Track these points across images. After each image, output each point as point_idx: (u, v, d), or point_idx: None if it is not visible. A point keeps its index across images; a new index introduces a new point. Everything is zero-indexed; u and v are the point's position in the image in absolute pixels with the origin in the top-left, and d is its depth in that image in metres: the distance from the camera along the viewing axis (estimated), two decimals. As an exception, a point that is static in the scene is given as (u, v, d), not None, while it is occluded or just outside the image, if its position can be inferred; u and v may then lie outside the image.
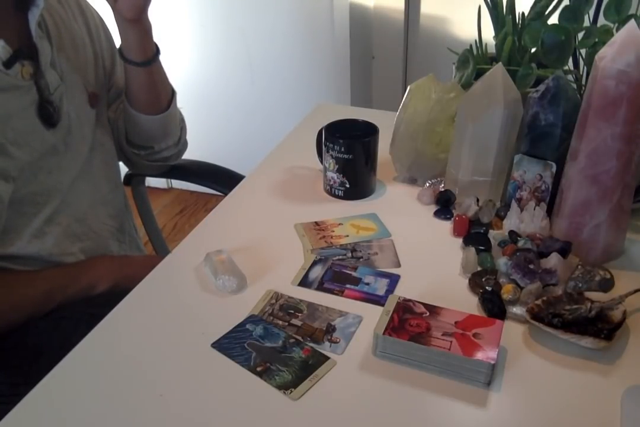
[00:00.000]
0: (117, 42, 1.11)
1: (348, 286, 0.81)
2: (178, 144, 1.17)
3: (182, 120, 1.17)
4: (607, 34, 0.88)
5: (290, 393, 0.65)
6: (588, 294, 0.74)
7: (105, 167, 1.07)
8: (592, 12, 0.94)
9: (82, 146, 1.00)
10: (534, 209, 0.86)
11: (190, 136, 1.21)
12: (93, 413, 0.64)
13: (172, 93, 1.10)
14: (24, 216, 0.92)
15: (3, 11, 0.88)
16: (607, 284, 0.78)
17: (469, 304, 0.77)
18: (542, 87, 0.83)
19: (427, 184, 1.00)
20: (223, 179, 1.22)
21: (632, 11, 0.88)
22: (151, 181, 2.30)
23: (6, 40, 0.85)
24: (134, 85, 1.03)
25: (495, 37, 0.99)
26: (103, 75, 1.07)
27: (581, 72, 0.94)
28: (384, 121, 1.01)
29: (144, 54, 0.99)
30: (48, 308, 0.92)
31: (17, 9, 0.88)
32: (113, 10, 0.93)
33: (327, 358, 0.69)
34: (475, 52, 0.99)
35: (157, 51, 1.02)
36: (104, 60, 1.07)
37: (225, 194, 1.02)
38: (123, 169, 1.18)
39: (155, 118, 1.07)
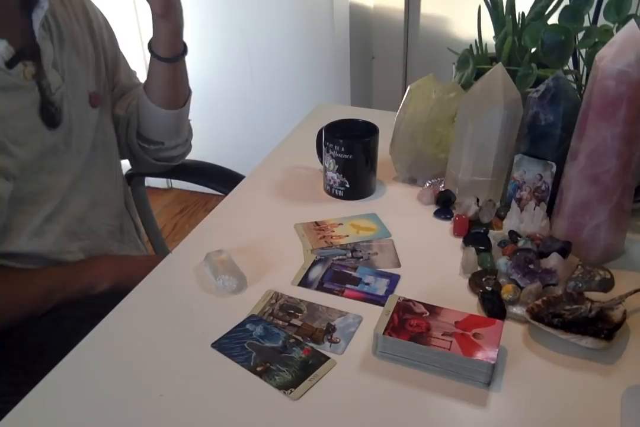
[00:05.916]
0: (120, 42, 1.12)
1: (348, 286, 0.81)
2: (185, 144, 1.19)
3: (189, 123, 1.20)
4: (607, 34, 0.88)
5: (290, 393, 0.65)
6: (588, 294, 0.74)
7: (106, 167, 1.07)
8: (592, 12, 0.94)
9: (83, 146, 1.01)
10: (534, 209, 0.86)
11: (190, 136, 1.22)
12: (93, 412, 0.64)
13: (189, 92, 1.13)
14: (24, 214, 0.92)
15: (7, 12, 0.89)
16: (607, 284, 0.78)
17: (469, 304, 0.77)
18: (542, 87, 0.83)
19: (427, 184, 1.00)
20: (223, 179, 1.22)
21: (632, 11, 0.88)
22: (151, 181, 2.30)
23: (9, 40, 0.86)
24: (157, 79, 1.06)
25: (495, 37, 0.99)
26: (105, 75, 1.07)
27: (581, 72, 0.94)
28: (384, 121, 1.01)
29: (171, 50, 1.03)
30: (47, 306, 0.92)
31: (21, 10, 0.89)
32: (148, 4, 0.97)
33: (327, 358, 0.69)
34: (475, 52, 1.00)
35: (184, 50, 1.05)
36: (106, 60, 1.07)
37: (225, 194, 1.02)
38: (124, 168, 1.18)
39: (171, 113, 1.10)
